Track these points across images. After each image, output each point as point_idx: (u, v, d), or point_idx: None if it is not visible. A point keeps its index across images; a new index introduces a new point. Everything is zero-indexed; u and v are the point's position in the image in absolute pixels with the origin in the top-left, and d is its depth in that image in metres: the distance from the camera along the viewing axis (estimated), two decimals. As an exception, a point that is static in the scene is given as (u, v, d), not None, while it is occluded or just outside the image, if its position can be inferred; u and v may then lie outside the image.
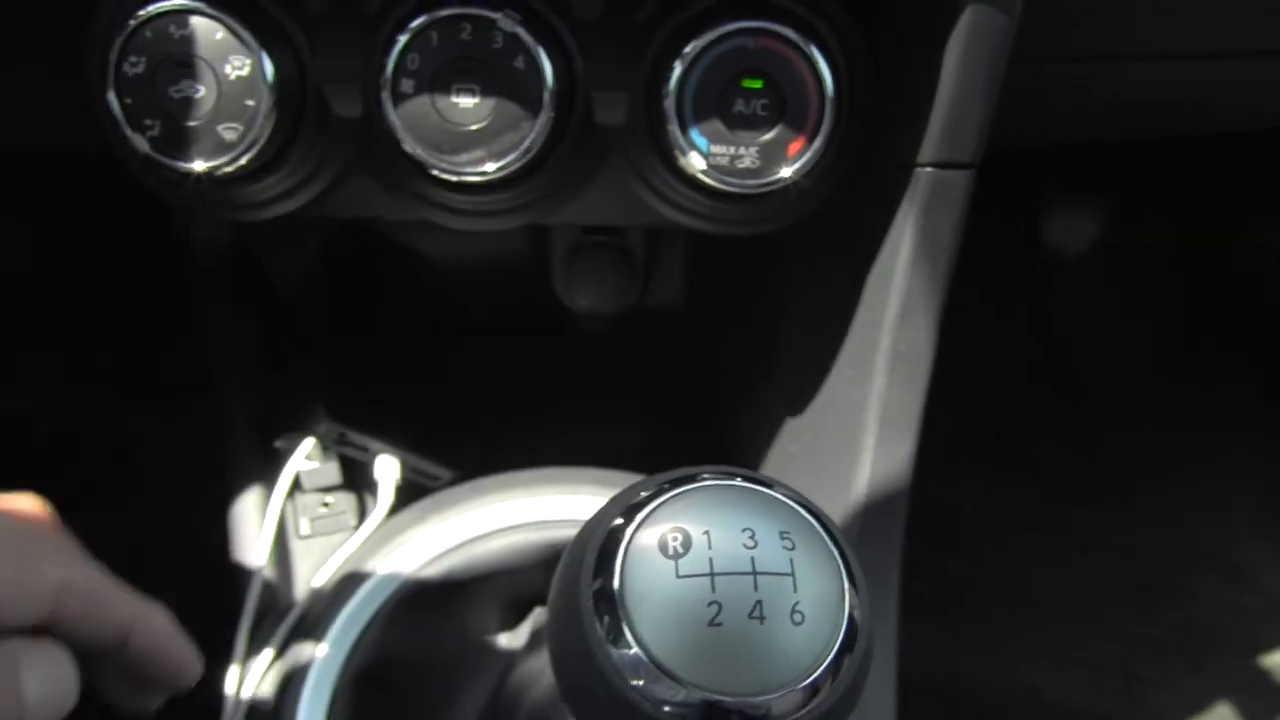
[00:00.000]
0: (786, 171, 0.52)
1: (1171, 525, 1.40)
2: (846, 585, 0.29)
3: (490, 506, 0.58)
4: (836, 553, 0.29)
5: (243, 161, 0.50)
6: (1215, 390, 1.58)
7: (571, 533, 0.53)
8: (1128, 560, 1.35)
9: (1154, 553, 1.36)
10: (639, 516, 0.28)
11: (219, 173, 0.49)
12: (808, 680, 0.27)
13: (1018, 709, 1.20)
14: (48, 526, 0.44)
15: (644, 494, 0.29)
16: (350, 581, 0.57)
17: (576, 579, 0.28)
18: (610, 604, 0.27)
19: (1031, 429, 1.48)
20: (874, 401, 0.57)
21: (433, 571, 0.57)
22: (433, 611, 0.58)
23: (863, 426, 0.57)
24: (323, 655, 0.55)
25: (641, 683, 0.28)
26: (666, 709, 0.28)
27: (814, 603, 0.28)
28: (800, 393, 0.64)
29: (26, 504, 0.45)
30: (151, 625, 0.43)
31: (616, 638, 0.28)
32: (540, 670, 0.49)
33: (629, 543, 0.28)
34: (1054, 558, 1.34)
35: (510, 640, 0.58)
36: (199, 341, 0.74)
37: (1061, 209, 1.60)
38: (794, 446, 0.66)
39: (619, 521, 0.29)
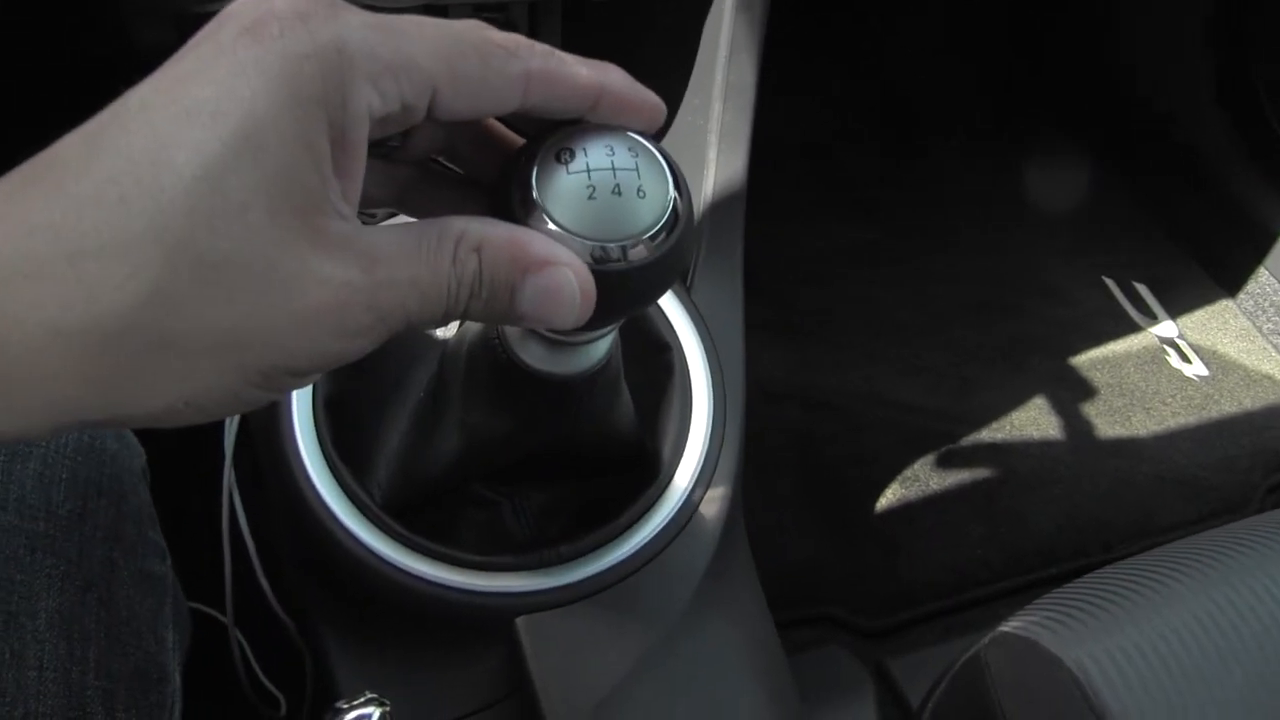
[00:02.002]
0: None
1: (995, 255, 1.56)
2: (671, 183, 0.44)
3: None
4: (665, 164, 0.44)
5: None
6: (1026, 133, 1.75)
7: None
8: (960, 286, 1.51)
9: (982, 279, 1.53)
10: (539, 148, 0.43)
11: None
12: (651, 231, 0.43)
13: (867, 408, 1.35)
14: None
15: (536, 139, 0.44)
16: None
17: (506, 190, 0.44)
18: (527, 196, 0.43)
19: (872, 179, 1.63)
20: (714, 124, 0.73)
21: None
22: None
23: (706, 143, 0.73)
24: None
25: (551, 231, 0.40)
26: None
27: (651, 187, 0.42)
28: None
29: None
30: (613, 78, 0.41)
31: (535, 219, 0.42)
32: (468, 328, 0.60)
33: (536, 163, 0.43)
34: (896, 286, 1.49)
35: (445, 334, 0.69)
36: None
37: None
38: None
39: (524, 156, 0.44)
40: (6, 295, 0.27)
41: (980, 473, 1.33)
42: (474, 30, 0.34)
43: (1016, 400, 1.42)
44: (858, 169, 1.64)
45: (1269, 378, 1.53)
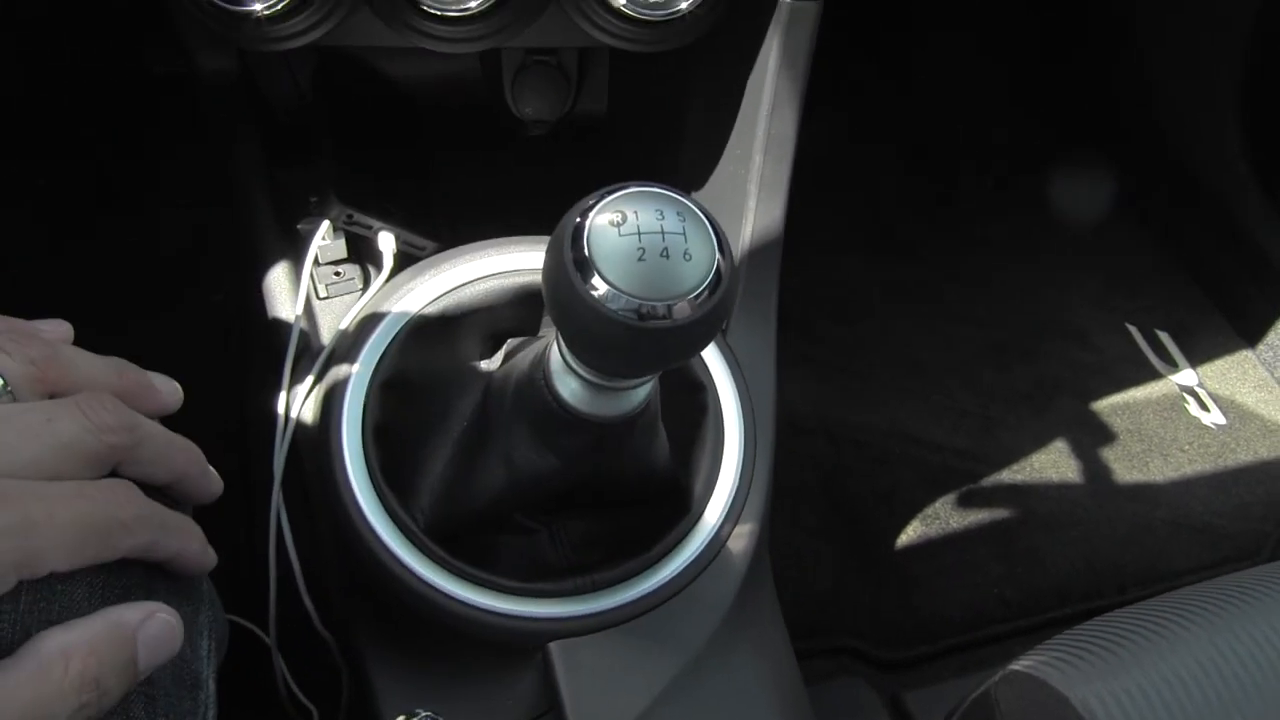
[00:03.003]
0: (684, 4, 0.71)
1: (1025, 299, 1.58)
2: (716, 247, 0.47)
3: (471, 262, 0.73)
4: (710, 228, 0.47)
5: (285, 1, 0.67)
6: (1063, 179, 1.76)
7: (535, 279, 0.69)
8: (988, 328, 1.53)
9: (1010, 321, 1.54)
10: (594, 208, 0.46)
11: (269, 12, 0.66)
12: (694, 293, 0.46)
13: (892, 444, 1.37)
14: None
15: (593, 199, 0.47)
16: (370, 321, 0.71)
17: (561, 248, 0.46)
18: (581, 256, 0.46)
19: (909, 217, 1.65)
20: (754, 174, 0.77)
21: (431, 310, 0.71)
22: (433, 340, 0.72)
23: (746, 193, 0.77)
24: (356, 371, 0.69)
25: (601, 296, 0.44)
26: (618, 311, 0.44)
27: (697, 251, 0.46)
28: (701, 173, 0.83)
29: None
30: (199, 486, 0.49)
31: (587, 276, 0.45)
32: (513, 365, 0.64)
33: (590, 223, 0.46)
34: (923, 323, 1.51)
35: (489, 365, 0.73)
36: (217, 151, 0.88)
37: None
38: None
39: (580, 216, 0.47)
40: None
41: (1000, 512, 1.35)
42: (112, 508, 0.42)
43: (1038, 442, 1.43)
44: (888, 200, 1.67)
45: None
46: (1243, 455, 1.47)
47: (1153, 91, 1.74)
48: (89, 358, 0.47)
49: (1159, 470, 1.42)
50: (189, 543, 0.47)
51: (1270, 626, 0.66)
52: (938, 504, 1.31)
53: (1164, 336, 1.61)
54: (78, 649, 0.39)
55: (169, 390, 0.50)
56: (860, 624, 1.22)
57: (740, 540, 0.70)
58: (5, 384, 0.43)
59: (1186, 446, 1.46)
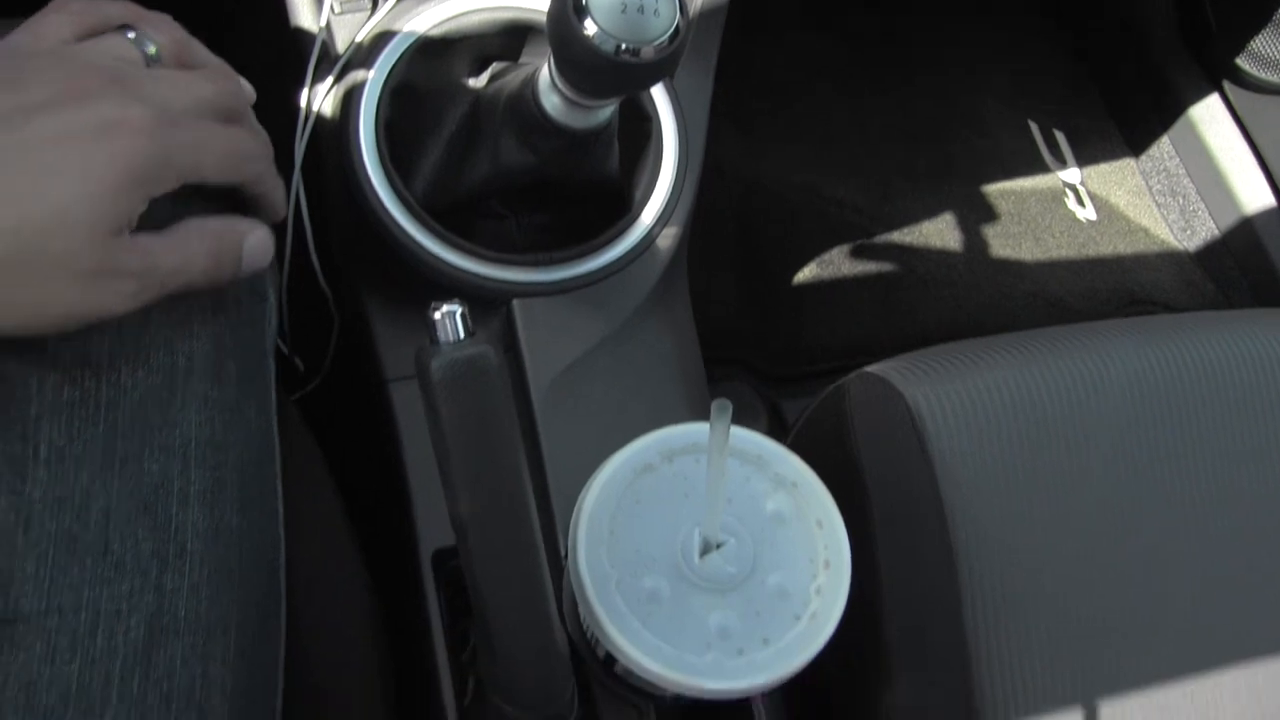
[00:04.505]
0: None
1: (941, 96, 1.66)
2: (678, 10, 0.57)
3: (471, -2, 0.78)
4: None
5: None
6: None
7: (521, 14, 0.77)
8: (905, 115, 1.62)
9: (920, 108, 1.63)
10: None
11: None
12: (659, 41, 0.56)
13: (803, 199, 1.48)
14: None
15: None
16: (382, 37, 0.76)
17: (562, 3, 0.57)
18: (579, 4, 0.55)
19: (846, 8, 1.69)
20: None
21: (434, 32, 0.76)
22: (432, 57, 0.76)
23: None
24: (371, 77, 0.74)
25: (592, 36, 0.55)
26: (602, 47, 0.55)
27: (665, 10, 0.56)
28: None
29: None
30: (272, 200, 0.56)
31: (582, 19, 0.55)
32: (504, 83, 0.72)
33: None
34: (851, 103, 1.59)
35: (476, 83, 0.78)
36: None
37: None
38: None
39: None
40: None
41: (885, 266, 1.46)
42: (244, 143, 0.52)
43: (928, 213, 1.53)
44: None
45: (1145, 230, 1.65)
46: (1104, 248, 1.60)
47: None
48: (204, 48, 0.55)
49: (1029, 251, 1.55)
50: (278, 188, 0.57)
51: (1080, 363, 0.77)
52: (833, 252, 1.43)
53: (1060, 136, 1.70)
54: (210, 232, 0.50)
55: (250, 89, 0.57)
56: (753, 346, 1.36)
57: (666, 240, 0.80)
58: (156, 52, 0.51)
59: (1058, 234, 1.59)
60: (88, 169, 0.43)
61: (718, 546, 0.52)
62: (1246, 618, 0.76)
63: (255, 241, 0.53)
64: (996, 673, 0.70)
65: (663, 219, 0.79)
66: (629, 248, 0.78)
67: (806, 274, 1.43)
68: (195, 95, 0.50)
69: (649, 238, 0.79)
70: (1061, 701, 0.71)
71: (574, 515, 0.53)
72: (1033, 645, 0.71)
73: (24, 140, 0.42)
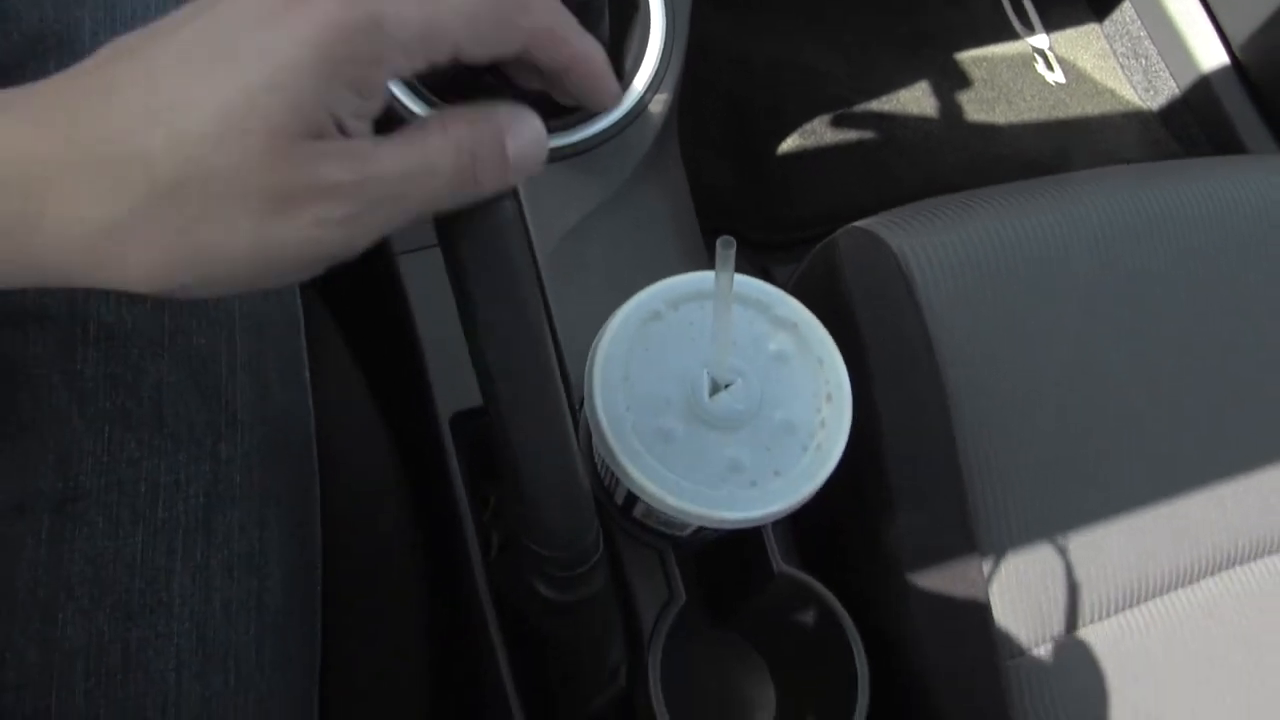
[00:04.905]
0: None
1: None
2: None
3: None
4: None
5: None
6: None
7: None
8: None
9: None
10: None
11: None
12: None
13: (788, 72, 1.50)
14: None
15: None
16: None
17: None
18: None
19: None
20: None
21: None
22: None
23: None
24: None
25: None
26: None
27: None
28: None
29: None
30: (592, 67, 0.41)
31: None
32: None
33: None
34: None
35: None
36: None
37: None
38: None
39: None
40: (46, 191, 0.31)
41: (866, 134, 1.47)
42: None
43: (905, 81, 1.55)
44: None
45: (1111, 91, 1.66)
46: (1073, 110, 1.62)
47: None
48: None
49: (1002, 114, 1.57)
50: (594, 56, 0.41)
51: (1055, 210, 0.81)
52: (815, 122, 1.45)
53: (1028, 3, 1.71)
54: (458, 123, 0.38)
55: None
56: (743, 214, 1.37)
57: (658, 105, 0.82)
58: None
59: (1029, 98, 1.61)
60: (263, 51, 0.32)
61: (726, 386, 0.53)
62: (1212, 441, 0.81)
63: (526, 136, 0.39)
64: (989, 498, 0.74)
65: (653, 85, 0.81)
66: (623, 114, 0.80)
67: (791, 145, 1.44)
68: None
69: (641, 103, 0.81)
70: (1048, 521, 0.75)
71: (588, 363, 0.54)
72: (1021, 473, 0.75)
73: (200, 30, 0.32)
